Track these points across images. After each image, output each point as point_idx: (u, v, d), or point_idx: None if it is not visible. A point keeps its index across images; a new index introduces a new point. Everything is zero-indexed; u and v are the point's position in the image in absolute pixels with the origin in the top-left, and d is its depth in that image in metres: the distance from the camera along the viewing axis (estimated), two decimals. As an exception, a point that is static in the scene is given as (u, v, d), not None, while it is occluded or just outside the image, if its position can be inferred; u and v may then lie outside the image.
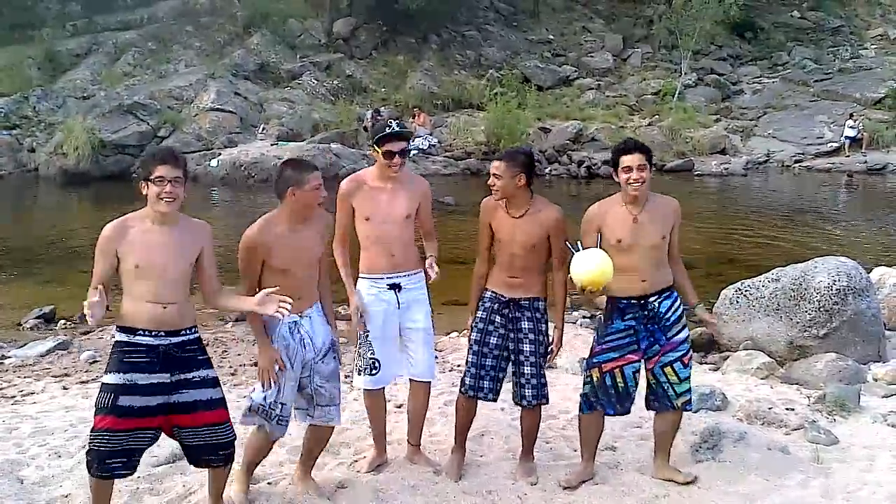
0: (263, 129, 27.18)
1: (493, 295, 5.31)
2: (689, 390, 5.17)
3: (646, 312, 5.05)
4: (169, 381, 4.23)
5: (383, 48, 34.65)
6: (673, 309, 5.09)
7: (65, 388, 7.45)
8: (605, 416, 5.25)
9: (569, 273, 4.89)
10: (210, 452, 4.42)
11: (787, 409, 6.51)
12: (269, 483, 5.24)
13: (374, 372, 5.31)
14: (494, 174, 5.11)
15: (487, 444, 5.92)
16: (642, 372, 5.22)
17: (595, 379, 5.14)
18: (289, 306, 4.27)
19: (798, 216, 19.36)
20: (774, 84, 34.67)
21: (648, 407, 5.28)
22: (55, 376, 7.84)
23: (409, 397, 5.62)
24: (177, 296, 4.27)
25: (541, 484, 5.23)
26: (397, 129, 5.22)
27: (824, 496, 5.05)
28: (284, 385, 4.74)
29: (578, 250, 4.89)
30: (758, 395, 6.90)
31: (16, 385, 7.59)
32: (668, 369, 5.09)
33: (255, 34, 33.15)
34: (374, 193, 5.21)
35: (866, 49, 38.04)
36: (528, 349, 5.22)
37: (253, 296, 4.51)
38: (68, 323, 10.00)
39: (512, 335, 5.27)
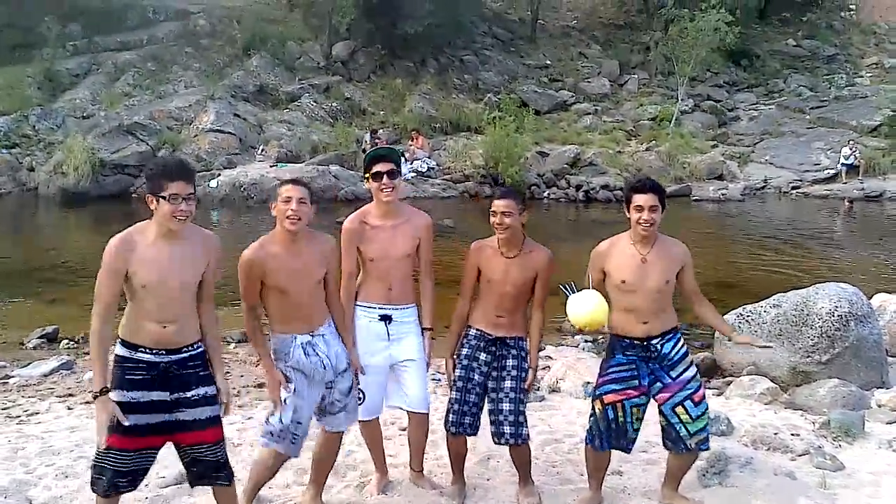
0: (262, 150, 27.23)
1: (479, 333, 5.35)
2: (704, 428, 5.06)
3: (647, 354, 5.02)
4: (169, 398, 4.18)
5: (381, 71, 34.76)
6: (676, 349, 5.05)
7: (69, 409, 7.45)
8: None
9: (566, 314, 4.96)
10: (210, 470, 4.40)
11: (792, 434, 6.52)
12: (276, 505, 5.25)
13: (359, 402, 5.25)
14: (504, 212, 5.07)
15: (493, 468, 5.93)
16: (649, 411, 5.16)
17: (598, 411, 5.12)
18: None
19: (797, 242, 19.40)
20: (771, 111, 34.82)
21: (665, 447, 5.21)
22: (59, 396, 7.84)
23: (409, 428, 5.63)
24: (181, 313, 4.21)
25: (547, 509, 5.24)
26: (383, 149, 5.37)
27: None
28: (302, 406, 4.73)
29: (573, 292, 4.95)
30: (762, 420, 6.92)
31: (20, 405, 7.59)
32: (679, 409, 5.01)
33: (254, 56, 33.25)
34: (376, 233, 5.23)
35: (861, 77, 38.30)
36: (508, 385, 5.23)
37: (253, 314, 4.67)
38: (71, 343, 10.00)
39: (494, 373, 5.30)
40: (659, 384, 5.03)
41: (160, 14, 36.14)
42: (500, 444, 5.29)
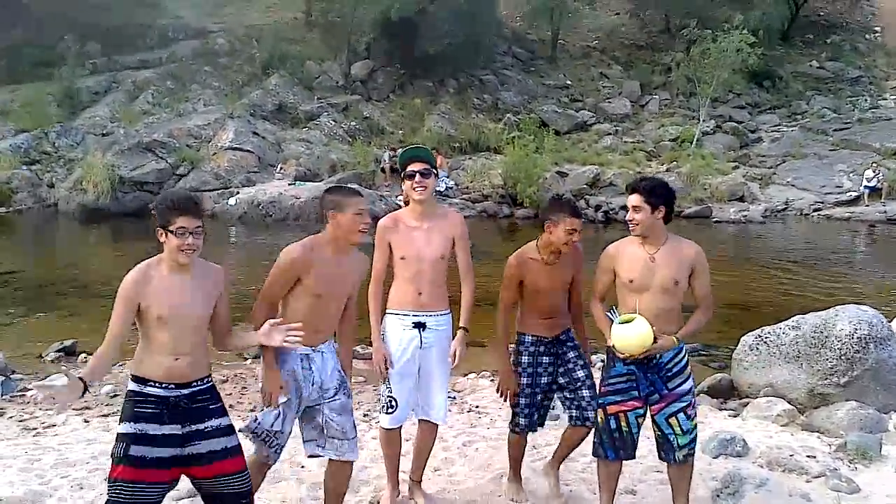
0: (281, 168, 27.39)
1: (536, 338, 5.48)
2: (691, 442, 5.01)
3: (646, 361, 4.93)
4: (180, 432, 4.13)
5: (401, 91, 34.96)
6: (675, 361, 4.98)
7: (86, 421, 7.47)
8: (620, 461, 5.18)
9: (610, 341, 4.92)
10: (230, 502, 4.33)
11: (808, 456, 6.46)
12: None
13: (390, 410, 5.31)
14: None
15: (506, 484, 5.90)
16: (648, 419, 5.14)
17: (600, 420, 5.10)
18: (301, 334, 4.25)
19: (817, 264, 19.31)
20: (793, 132, 34.77)
21: (660, 458, 5.17)
22: (76, 409, 7.85)
23: (417, 436, 5.61)
24: (192, 346, 4.17)
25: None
26: (415, 147, 5.49)
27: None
28: (287, 415, 4.63)
29: (616, 316, 4.94)
30: (778, 441, 6.86)
31: (37, 417, 7.62)
32: (672, 420, 4.97)
33: (273, 75, 33.52)
34: (409, 232, 5.23)
35: (885, 99, 38.22)
36: (581, 374, 5.45)
37: (268, 311, 4.56)
38: (89, 356, 10.02)
39: (561, 368, 5.47)
40: (656, 395, 4.98)
41: (179, 33, 36.63)
42: (584, 426, 5.45)
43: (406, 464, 5.69)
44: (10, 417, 7.64)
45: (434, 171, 5.31)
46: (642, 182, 5.05)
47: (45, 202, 25.84)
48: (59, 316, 12.55)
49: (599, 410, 5.11)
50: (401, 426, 5.46)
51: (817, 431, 7.20)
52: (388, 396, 5.28)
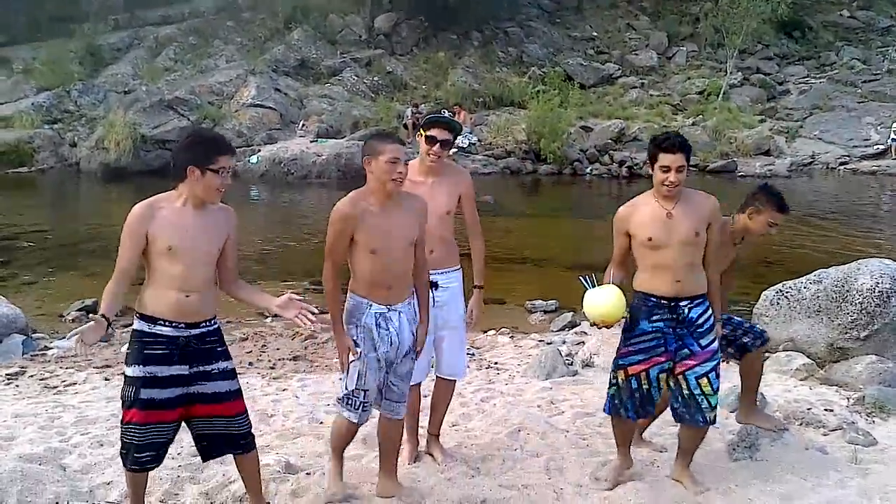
0: (303, 125, 27.34)
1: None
2: (717, 404, 4.91)
3: (674, 316, 4.79)
4: (188, 372, 4.15)
5: (424, 44, 34.71)
6: (706, 316, 4.83)
7: (106, 380, 7.53)
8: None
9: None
10: (227, 443, 4.37)
11: (825, 410, 6.44)
12: (307, 473, 5.26)
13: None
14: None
15: (524, 439, 5.92)
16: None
17: (620, 381, 4.95)
18: (312, 316, 4.22)
19: (842, 219, 19.16)
20: (821, 84, 34.33)
21: (677, 418, 5.01)
22: (97, 367, 7.94)
23: (434, 391, 5.60)
24: (203, 283, 4.16)
25: (576, 479, 5.22)
26: (447, 117, 5.25)
27: (862, 496, 4.98)
28: (367, 373, 4.62)
29: (593, 286, 4.85)
30: (797, 395, 6.84)
31: (58, 375, 7.70)
32: (703, 381, 4.80)
33: (295, 30, 33.36)
34: (414, 187, 5.04)
35: (917, 49, 37.51)
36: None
37: (335, 272, 4.55)
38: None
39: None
40: (686, 350, 4.80)
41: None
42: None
43: (424, 420, 5.71)
44: (31, 376, 7.72)
45: (452, 144, 5.23)
46: (678, 138, 4.78)
47: (67, 161, 25.90)
48: (80, 275, 12.64)
49: (620, 371, 4.95)
50: (419, 384, 5.42)
51: (836, 385, 7.19)
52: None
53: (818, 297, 8.05)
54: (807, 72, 36.15)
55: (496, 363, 8.18)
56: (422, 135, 5.15)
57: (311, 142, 25.80)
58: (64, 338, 8.82)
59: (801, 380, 7.37)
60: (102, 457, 5.48)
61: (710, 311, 4.86)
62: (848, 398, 6.73)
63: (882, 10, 41.54)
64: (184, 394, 4.18)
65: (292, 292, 4.32)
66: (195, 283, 4.12)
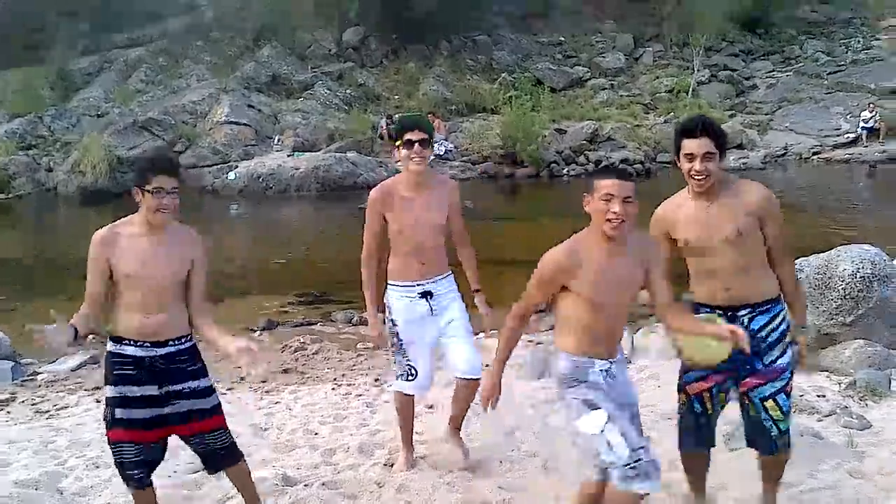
0: (279, 140, 27.24)
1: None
2: (789, 428, 4.29)
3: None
4: (157, 392, 4.15)
5: (394, 56, 34.66)
6: (771, 327, 4.15)
7: (98, 401, 7.45)
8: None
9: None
10: (212, 458, 4.40)
11: (818, 395, 6.50)
12: (304, 485, 5.27)
13: (410, 378, 5.31)
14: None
15: (520, 440, 5.95)
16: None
17: (681, 403, 4.42)
18: (259, 371, 4.34)
19: (819, 207, 19.30)
20: (788, 78, 34.56)
21: (748, 443, 4.43)
22: (87, 390, 7.91)
23: (457, 392, 5.45)
24: (161, 306, 4.14)
25: (575, 479, 5.21)
26: (414, 116, 5.49)
27: (859, 479, 5.04)
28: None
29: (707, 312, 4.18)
30: (788, 383, 6.89)
31: (49, 399, 7.66)
32: (769, 403, 4.18)
33: (265, 47, 33.21)
34: (405, 203, 5.09)
35: (878, 40, 37.74)
36: None
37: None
38: (97, 337, 10.04)
39: None
40: (749, 368, 4.17)
41: (167, 8, 36.11)
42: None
43: (418, 426, 5.73)
44: (23, 402, 7.68)
45: (431, 141, 5.20)
46: (702, 121, 4.16)
47: (44, 186, 25.64)
48: (63, 299, 12.54)
49: (681, 394, 4.40)
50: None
51: (826, 371, 7.25)
52: (408, 364, 5.29)
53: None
54: (773, 66, 36.37)
55: (487, 365, 8.17)
56: (398, 146, 5.14)
57: (288, 155, 25.74)
58: (52, 362, 8.78)
59: (790, 367, 7.42)
60: (99, 479, 5.47)
61: (778, 321, 4.19)
62: (839, 383, 6.80)
63: (842, 3, 41.90)
64: (158, 415, 4.18)
65: (253, 335, 4.40)
66: (155, 305, 4.15)
